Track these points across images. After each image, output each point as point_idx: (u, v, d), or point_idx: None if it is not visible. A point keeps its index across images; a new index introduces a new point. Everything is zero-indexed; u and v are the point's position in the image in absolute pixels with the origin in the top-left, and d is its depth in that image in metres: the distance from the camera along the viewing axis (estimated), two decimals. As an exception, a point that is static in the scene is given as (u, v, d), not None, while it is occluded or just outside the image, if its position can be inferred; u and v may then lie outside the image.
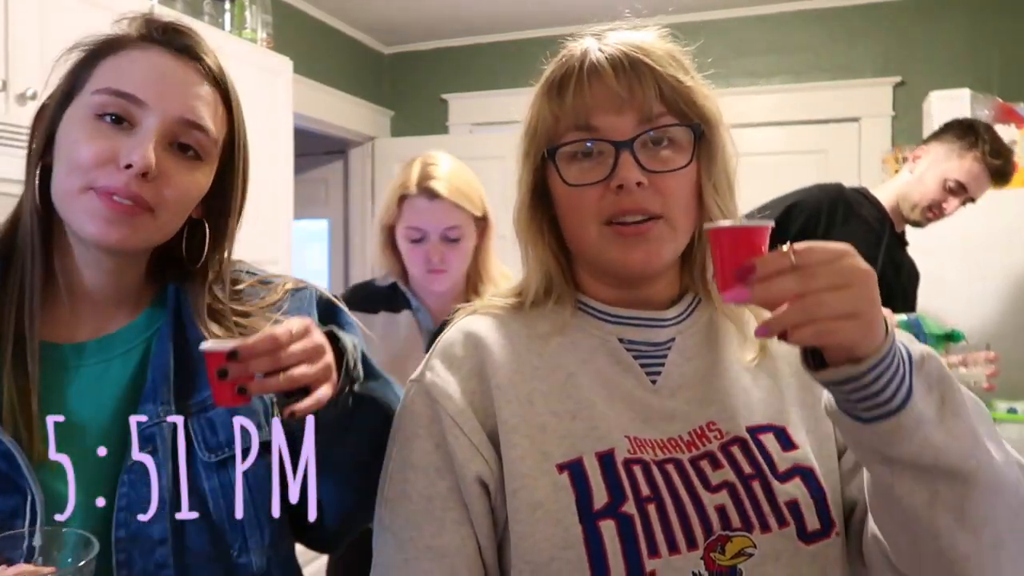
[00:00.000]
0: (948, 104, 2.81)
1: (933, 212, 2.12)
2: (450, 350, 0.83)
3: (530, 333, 0.83)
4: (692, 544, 0.71)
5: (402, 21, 3.70)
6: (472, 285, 1.70)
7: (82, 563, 0.63)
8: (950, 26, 3.25)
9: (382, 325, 1.67)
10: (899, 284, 2.21)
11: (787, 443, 0.77)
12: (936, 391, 0.64)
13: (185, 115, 0.79)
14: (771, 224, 0.65)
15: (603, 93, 0.78)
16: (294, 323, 0.70)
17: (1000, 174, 2.08)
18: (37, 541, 0.66)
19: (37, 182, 0.80)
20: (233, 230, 0.88)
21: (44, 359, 0.77)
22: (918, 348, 0.66)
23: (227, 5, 2.54)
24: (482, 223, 1.67)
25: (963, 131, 2.11)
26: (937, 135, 2.18)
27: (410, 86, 4.05)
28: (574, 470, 0.74)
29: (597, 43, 0.82)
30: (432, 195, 1.58)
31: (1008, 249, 2.56)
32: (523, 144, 0.85)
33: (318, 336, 0.72)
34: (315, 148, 4.02)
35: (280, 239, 2.68)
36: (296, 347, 0.69)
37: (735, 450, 0.76)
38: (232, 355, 0.67)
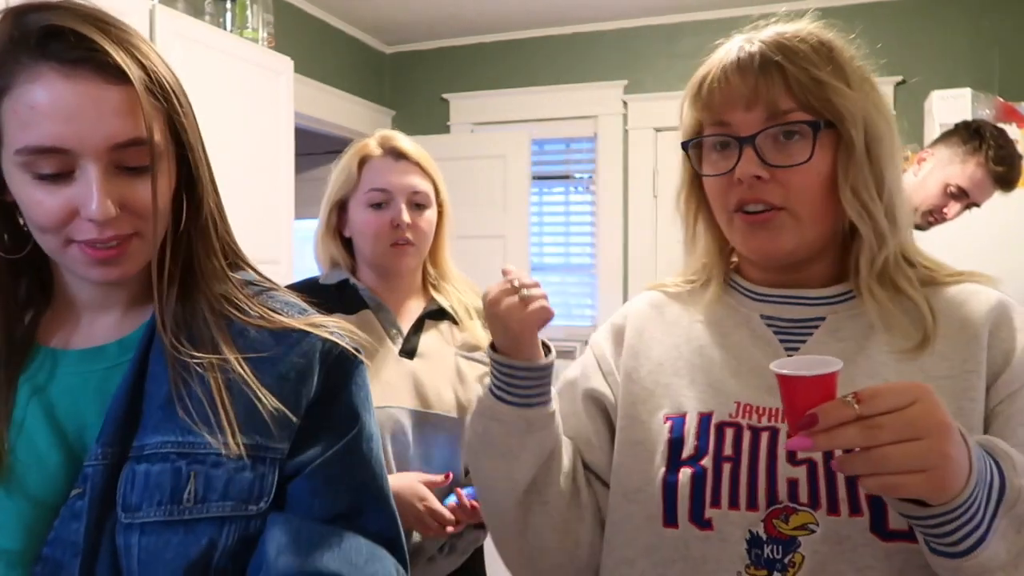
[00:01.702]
0: (949, 103, 2.80)
1: (934, 216, 2.10)
2: (616, 316, 0.99)
3: (683, 309, 0.94)
4: (752, 505, 0.78)
5: (403, 21, 3.70)
6: (427, 279, 1.56)
7: None
8: (951, 25, 3.25)
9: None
10: None
11: None
12: (1021, 534, 0.63)
13: (113, 141, 0.69)
14: (838, 368, 0.64)
15: (733, 91, 0.82)
16: None
17: (1004, 181, 2.05)
18: None
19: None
20: (212, 203, 0.82)
21: (35, 361, 0.77)
22: (1020, 484, 0.64)
23: (228, 5, 2.54)
24: (439, 206, 1.52)
25: (969, 135, 2.08)
26: (943, 138, 2.15)
27: (411, 86, 4.05)
28: (676, 423, 0.85)
29: (740, 42, 0.84)
30: (398, 155, 1.48)
31: (1010, 250, 2.56)
32: (681, 136, 0.91)
33: None
34: (316, 148, 4.01)
35: (281, 239, 2.68)
36: None
37: None
38: None
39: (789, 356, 0.83)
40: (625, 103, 3.68)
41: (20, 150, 0.68)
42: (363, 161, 1.50)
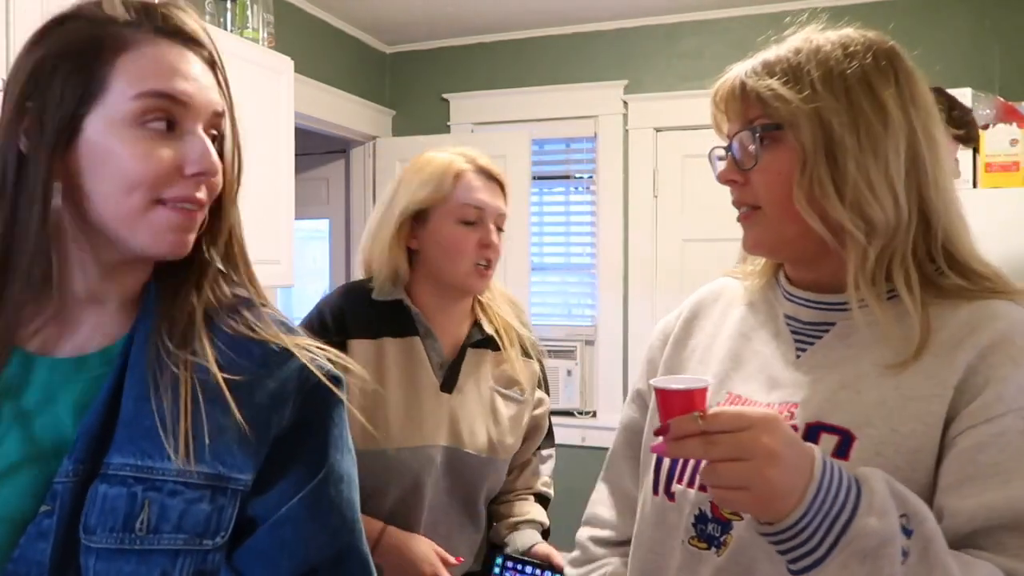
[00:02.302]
0: (949, 103, 2.80)
1: None
2: (684, 304, 1.07)
3: (731, 297, 1.01)
4: (703, 488, 0.84)
5: (403, 21, 3.70)
6: (476, 297, 1.51)
7: None
8: (951, 25, 3.25)
9: (394, 356, 1.40)
10: None
11: (841, 451, 0.79)
12: (865, 566, 0.67)
13: (213, 107, 0.76)
14: (704, 385, 0.73)
15: (721, 108, 0.91)
16: None
17: (966, 140, 2.09)
18: None
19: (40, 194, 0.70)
20: (234, 200, 0.81)
21: (11, 366, 0.73)
22: (873, 524, 0.67)
23: (228, 4, 2.54)
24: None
25: None
26: None
27: (411, 86, 4.05)
28: None
29: (738, 65, 0.91)
30: (489, 176, 1.44)
31: (1007, 248, 2.56)
32: None
33: None
34: (316, 147, 4.02)
35: (281, 239, 2.68)
36: None
37: None
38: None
39: (798, 357, 0.89)
40: (625, 103, 3.68)
41: (143, 93, 0.71)
42: (457, 175, 1.43)
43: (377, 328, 1.40)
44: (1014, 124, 2.67)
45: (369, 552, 0.81)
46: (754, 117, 0.86)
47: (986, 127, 2.69)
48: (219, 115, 0.76)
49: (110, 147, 0.71)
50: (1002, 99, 2.82)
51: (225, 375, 0.74)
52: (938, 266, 0.84)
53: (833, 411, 0.81)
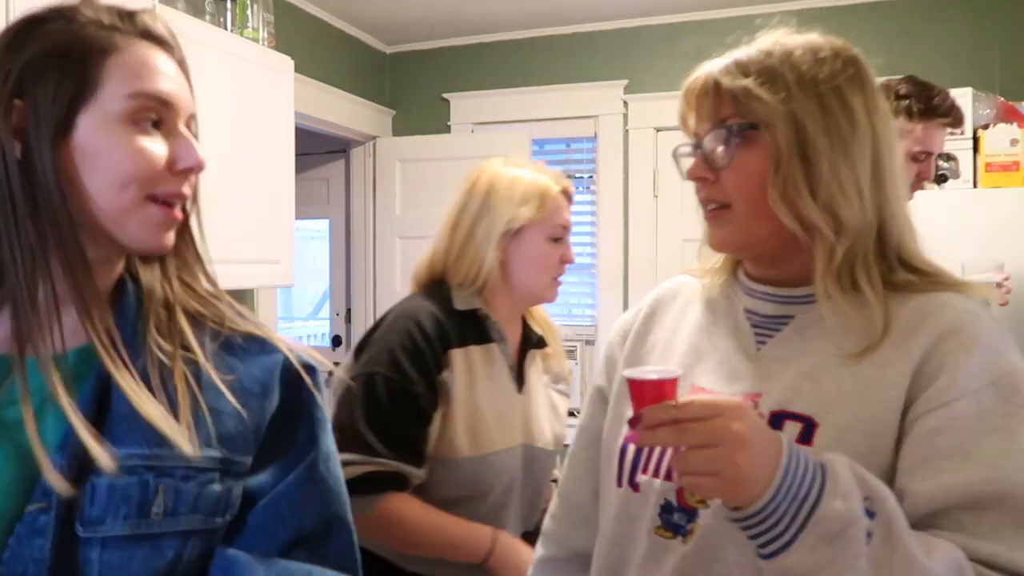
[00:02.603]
0: (949, 103, 2.80)
1: (918, 184, 2.08)
2: (643, 301, 1.10)
3: (689, 295, 1.04)
4: (668, 478, 0.88)
5: (404, 20, 3.70)
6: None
7: None
8: (952, 24, 3.25)
9: (480, 363, 1.46)
10: None
11: (804, 438, 0.82)
12: (833, 548, 0.69)
13: (191, 109, 0.80)
14: (674, 376, 0.75)
15: (690, 103, 0.92)
16: None
17: (954, 125, 2.05)
18: None
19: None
20: (197, 199, 0.84)
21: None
22: (839, 507, 0.70)
23: (228, 4, 2.54)
24: None
25: (894, 112, 2.04)
26: None
27: (411, 85, 4.05)
28: None
29: (708, 63, 0.92)
30: (569, 197, 1.56)
31: (1007, 247, 2.56)
32: None
33: None
34: (316, 147, 4.02)
35: (281, 239, 2.68)
36: None
37: None
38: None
39: (758, 349, 0.91)
40: (625, 103, 3.68)
41: (134, 93, 0.74)
42: (554, 196, 1.51)
43: (463, 337, 1.46)
44: (1014, 124, 2.67)
45: (353, 522, 0.84)
46: (727, 116, 0.87)
47: (986, 127, 2.69)
48: (193, 116, 0.80)
49: (104, 144, 0.73)
50: (1002, 99, 2.82)
51: (215, 366, 0.78)
52: (890, 263, 0.88)
53: (796, 399, 0.84)
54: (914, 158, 2.03)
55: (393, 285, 3.90)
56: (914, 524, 0.75)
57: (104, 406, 0.73)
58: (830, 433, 0.81)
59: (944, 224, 2.20)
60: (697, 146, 0.90)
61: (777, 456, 0.71)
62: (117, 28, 0.76)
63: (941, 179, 2.20)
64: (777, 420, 0.84)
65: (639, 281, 3.65)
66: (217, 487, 0.75)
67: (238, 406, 0.77)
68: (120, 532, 0.70)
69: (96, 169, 0.73)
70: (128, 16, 0.78)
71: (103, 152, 0.73)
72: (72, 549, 0.69)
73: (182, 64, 0.81)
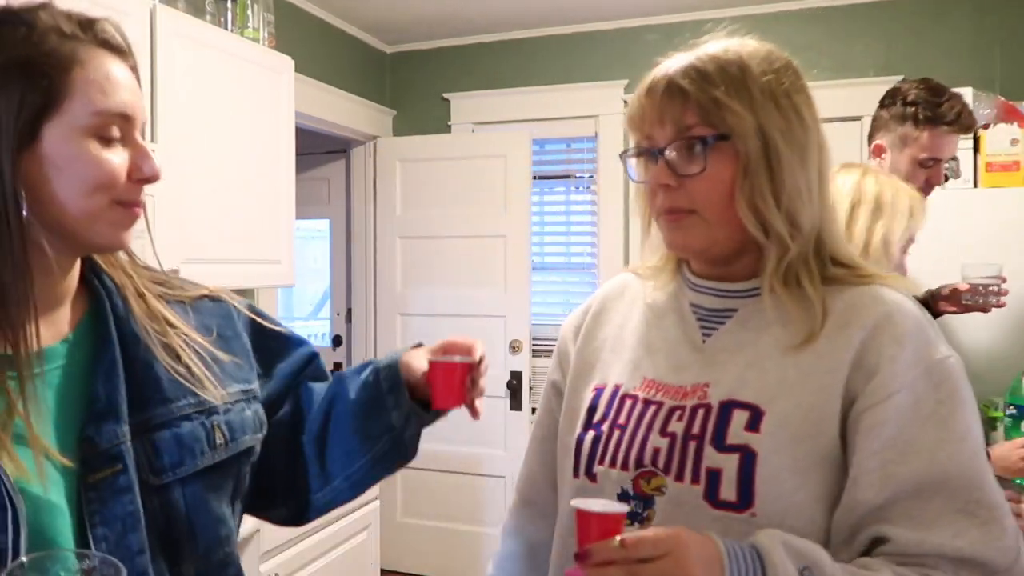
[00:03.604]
0: (950, 103, 2.79)
1: (927, 189, 2.06)
2: (590, 298, 1.13)
3: (640, 290, 1.06)
4: (625, 467, 0.93)
5: (404, 20, 3.70)
6: None
7: None
8: (952, 24, 3.25)
9: None
10: None
11: (752, 425, 0.86)
12: None
13: (144, 118, 0.85)
14: (622, 512, 0.78)
15: (646, 111, 0.93)
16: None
17: (964, 130, 2.01)
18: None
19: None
20: None
21: None
22: None
23: (229, 4, 2.54)
24: None
25: (901, 117, 2.02)
26: (881, 125, 2.08)
27: (412, 85, 4.05)
28: (598, 392, 1.01)
29: (662, 67, 0.94)
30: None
31: (1007, 247, 2.56)
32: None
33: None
34: (317, 147, 4.02)
35: (281, 238, 2.68)
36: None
37: (699, 412, 0.90)
38: (480, 362, 0.94)
39: (704, 341, 0.96)
40: (626, 102, 3.66)
41: (101, 111, 0.78)
42: None
43: None
44: (1015, 124, 2.67)
45: None
46: (692, 123, 0.89)
47: (987, 127, 2.68)
48: (144, 123, 0.86)
49: (70, 155, 0.77)
50: (1003, 99, 2.82)
51: (196, 330, 0.91)
52: (823, 259, 0.93)
53: (742, 389, 0.89)
54: (921, 164, 2.02)
55: (394, 285, 3.90)
56: (867, 516, 0.82)
57: (129, 375, 0.83)
58: (775, 420, 0.85)
59: (944, 224, 2.19)
60: (659, 151, 0.91)
61: (721, 569, 0.75)
62: (78, 38, 0.79)
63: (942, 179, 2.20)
64: (726, 409, 0.88)
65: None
66: (249, 412, 0.93)
67: (228, 354, 0.93)
68: (202, 465, 0.85)
69: (64, 178, 0.77)
70: (87, 25, 0.81)
71: (70, 162, 0.77)
72: (157, 495, 0.82)
73: (135, 70, 0.85)
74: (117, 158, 0.80)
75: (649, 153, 0.93)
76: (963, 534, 0.79)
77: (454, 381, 0.93)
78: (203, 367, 0.88)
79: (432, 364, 0.93)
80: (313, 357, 1.07)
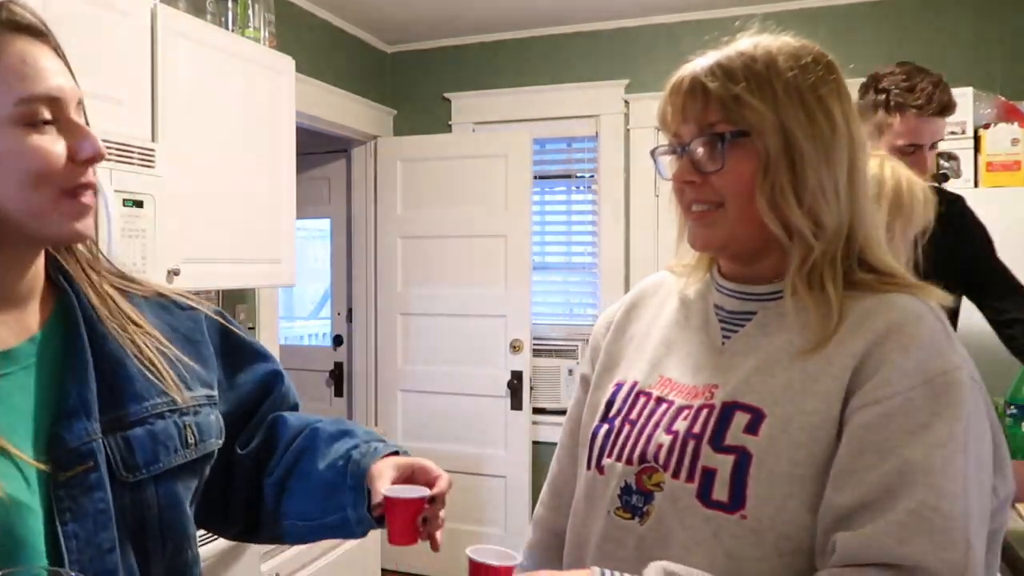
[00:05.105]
0: (951, 102, 2.79)
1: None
2: (627, 295, 1.15)
3: (669, 290, 1.08)
4: (630, 462, 0.94)
5: (405, 20, 3.70)
6: None
7: None
8: (953, 24, 3.24)
9: None
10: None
11: (752, 428, 0.86)
12: None
13: (78, 95, 0.80)
14: (513, 565, 0.80)
15: (677, 106, 0.93)
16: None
17: (942, 112, 1.97)
18: None
19: None
20: None
21: None
22: None
23: (230, 4, 2.54)
24: None
25: (871, 105, 1.99)
26: (859, 116, 2.03)
27: (413, 85, 4.05)
28: (618, 387, 1.03)
29: (690, 65, 0.94)
30: None
31: (1007, 247, 2.56)
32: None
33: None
34: (317, 147, 4.02)
35: (282, 238, 2.68)
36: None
37: (703, 412, 0.90)
38: (432, 500, 0.90)
39: (723, 343, 0.95)
40: (627, 102, 3.68)
41: (25, 99, 0.74)
42: None
43: None
44: (1015, 123, 2.67)
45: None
46: (714, 121, 0.89)
47: (987, 126, 2.69)
48: (80, 100, 0.81)
49: (8, 147, 0.74)
50: (1003, 98, 2.82)
51: (158, 328, 0.90)
52: (851, 263, 0.91)
53: (747, 392, 0.88)
54: (901, 151, 1.96)
55: (394, 284, 3.90)
56: (839, 519, 0.79)
57: (99, 373, 0.82)
58: (775, 424, 0.85)
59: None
60: (683, 148, 0.92)
61: None
62: None
63: (942, 178, 2.19)
64: (728, 410, 0.88)
65: (640, 280, 3.64)
66: (212, 417, 0.92)
67: (194, 357, 0.92)
68: (175, 463, 0.85)
69: (14, 169, 0.75)
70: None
71: (2, 157, 0.74)
72: (130, 492, 0.81)
73: (58, 50, 0.80)
74: (51, 143, 0.76)
75: (675, 150, 0.94)
76: (909, 541, 0.74)
77: (408, 518, 0.89)
78: (167, 367, 0.87)
79: (387, 499, 0.89)
80: (276, 376, 1.05)
